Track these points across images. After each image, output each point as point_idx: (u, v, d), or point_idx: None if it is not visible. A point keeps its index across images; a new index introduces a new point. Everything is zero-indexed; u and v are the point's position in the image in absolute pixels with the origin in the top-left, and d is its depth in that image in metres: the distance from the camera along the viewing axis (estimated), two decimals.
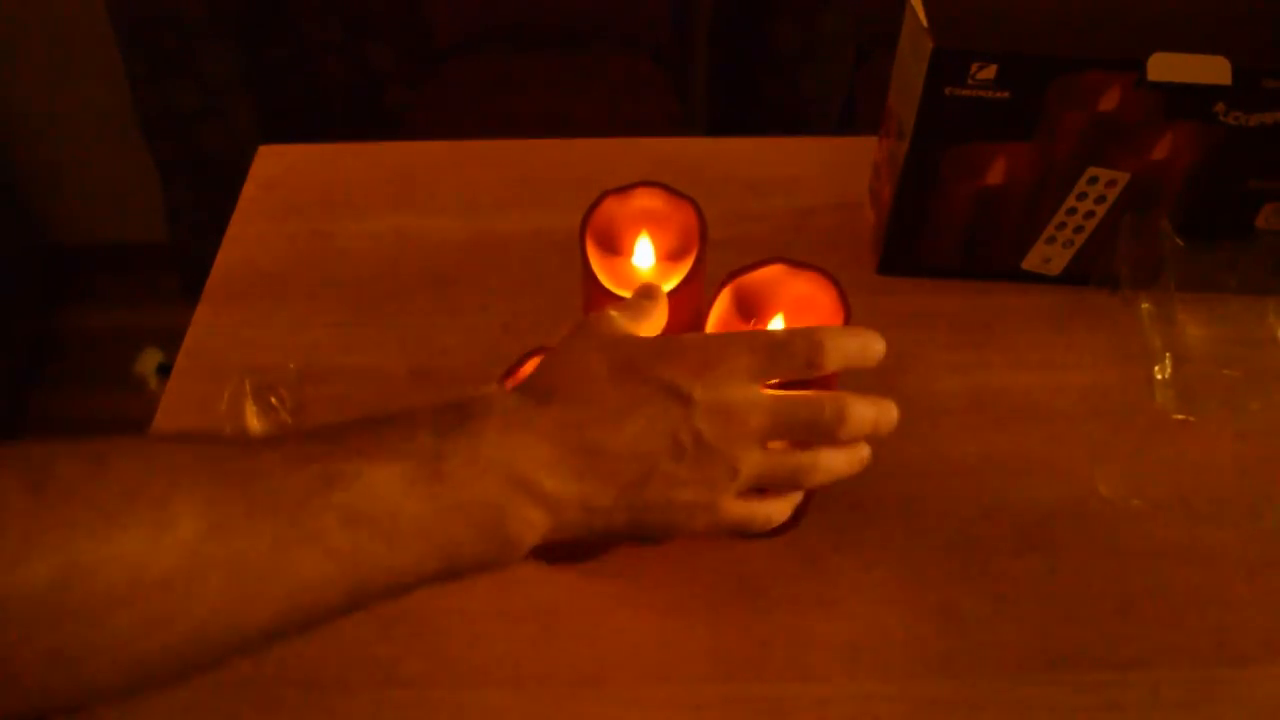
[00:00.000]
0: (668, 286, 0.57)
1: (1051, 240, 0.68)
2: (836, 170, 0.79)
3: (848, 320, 0.50)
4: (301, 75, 1.59)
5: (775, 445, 0.42)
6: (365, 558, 0.35)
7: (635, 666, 0.52)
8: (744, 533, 0.44)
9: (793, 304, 0.53)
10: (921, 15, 0.61)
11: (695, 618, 0.53)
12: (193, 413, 0.63)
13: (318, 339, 0.67)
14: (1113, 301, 0.68)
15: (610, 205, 0.59)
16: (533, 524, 0.38)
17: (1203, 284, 0.67)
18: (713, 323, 0.53)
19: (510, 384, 0.52)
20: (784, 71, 1.57)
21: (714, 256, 0.57)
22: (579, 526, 0.39)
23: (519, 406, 0.39)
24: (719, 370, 0.40)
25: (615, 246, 0.60)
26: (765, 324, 0.54)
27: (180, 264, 1.71)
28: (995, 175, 0.65)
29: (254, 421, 0.61)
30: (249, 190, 0.79)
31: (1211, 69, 0.59)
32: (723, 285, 0.53)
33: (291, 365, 0.65)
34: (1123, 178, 0.64)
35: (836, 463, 0.43)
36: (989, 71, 0.60)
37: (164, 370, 1.58)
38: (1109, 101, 0.61)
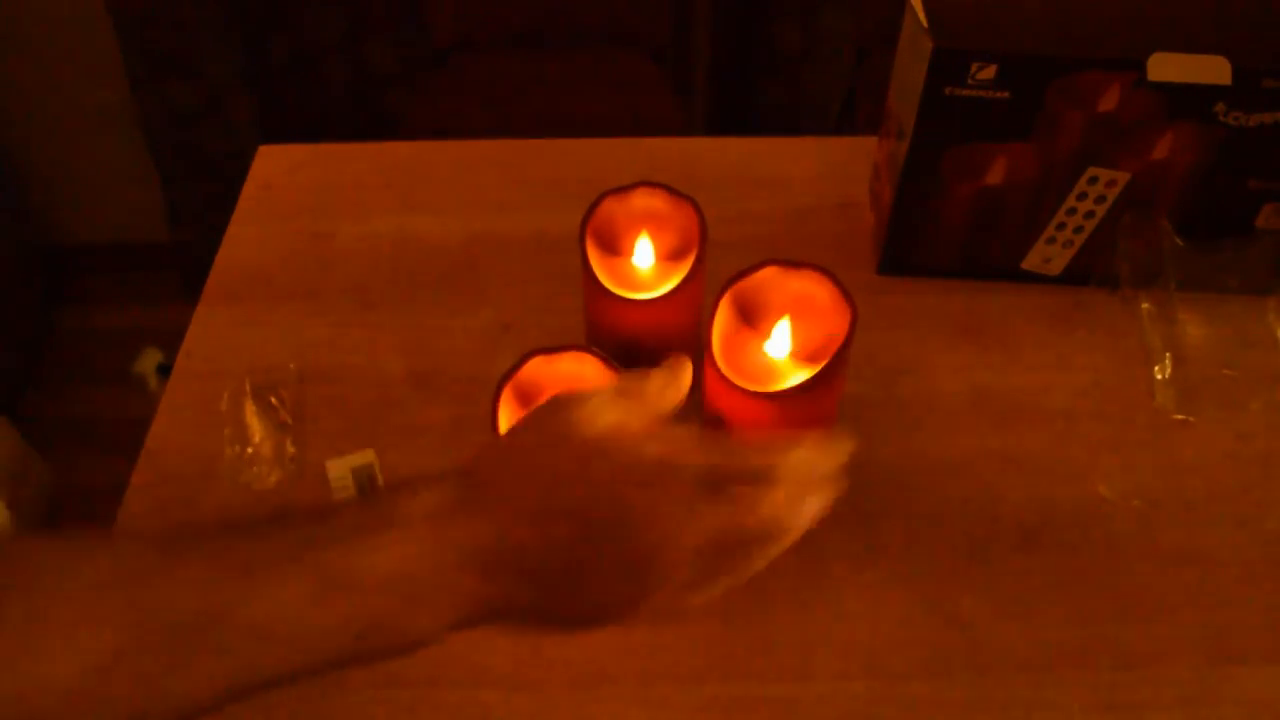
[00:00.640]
0: (668, 286, 0.57)
1: (1051, 240, 0.68)
2: (836, 170, 0.79)
3: (854, 315, 0.50)
4: (301, 75, 1.59)
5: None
6: (264, 663, 0.36)
7: (635, 666, 0.52)
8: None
9: (794, 304, 0.53)
10: (921, 15, 0.61)
11: (695, 618, 0.53)
12: (193, 412, 0.63)
13: (318, 339, 0.67)
14: (1113, 301, 0.68)
15: (610, 205, 0.59)
16: (435, 621, 0.37)
17: (1203, 284, 0.67)
18: (716, 333, 0.52)
19: (510, 385, 0.52)
20: (784, 71, 1.57)
21: (714, 256, 0.57)
22: (490, 620, 0.38)
23: (436, 513, 0.38)
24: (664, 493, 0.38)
25: (615, 246, 0.60)
26: (770, 328, 0.54)
27: (180, 264, 1.71)
28: (995, 175, 0.65)
29: (254, 421, 0.61)
30: (249, 190, 0.79)
31: (1211, 69, 0.59)
32: (721, 293, 0.53)
33: (291, 365, 0.65)
34: (1123, 178, 0.64)
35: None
36: (989, 71, 0.60)
37: (164, 370, 1.58)
38: (1109, 101, 0.61)
